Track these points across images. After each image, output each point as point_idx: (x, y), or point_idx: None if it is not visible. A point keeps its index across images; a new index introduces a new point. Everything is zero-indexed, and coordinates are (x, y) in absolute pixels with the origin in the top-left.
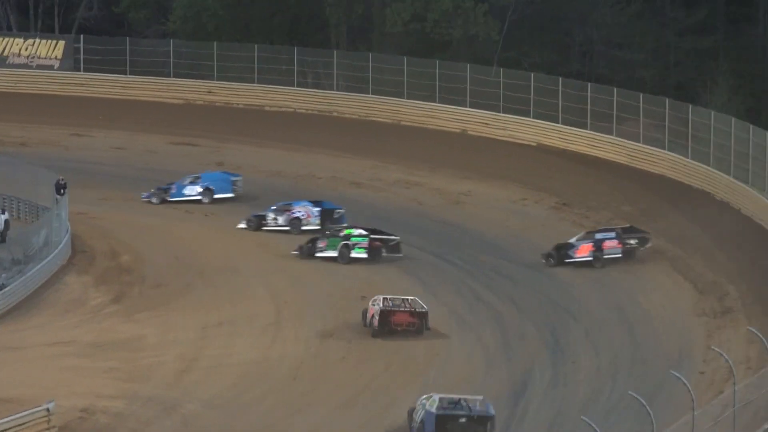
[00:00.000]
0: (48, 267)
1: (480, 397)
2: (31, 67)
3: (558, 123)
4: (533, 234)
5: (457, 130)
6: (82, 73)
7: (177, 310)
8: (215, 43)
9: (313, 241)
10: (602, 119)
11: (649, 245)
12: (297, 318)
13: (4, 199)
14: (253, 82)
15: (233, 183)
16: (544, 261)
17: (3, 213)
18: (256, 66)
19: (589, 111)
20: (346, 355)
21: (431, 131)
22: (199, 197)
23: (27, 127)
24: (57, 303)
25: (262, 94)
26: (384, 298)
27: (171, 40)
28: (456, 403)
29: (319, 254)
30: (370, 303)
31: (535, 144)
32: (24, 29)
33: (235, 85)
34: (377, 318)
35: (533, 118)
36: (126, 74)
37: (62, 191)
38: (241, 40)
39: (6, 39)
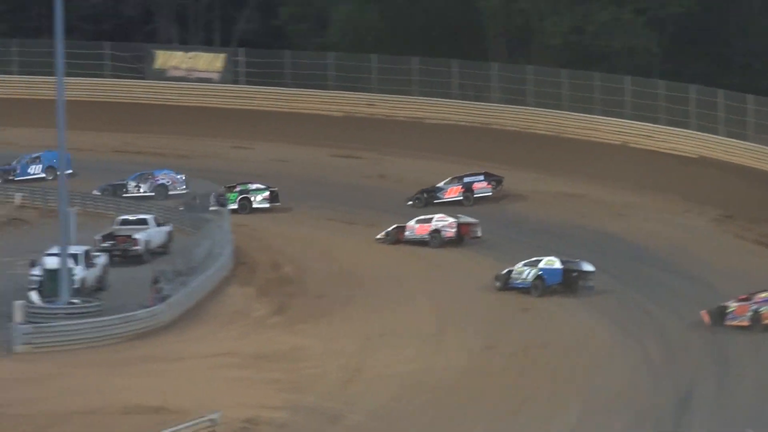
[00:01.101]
0: (211, 279)
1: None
2: (191, 80)
3: (719, 135)
4: (696, 246)
5: (618, 143)
6: (242, 86)
7: (339, 320)
8: (375, 55)
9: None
10: (764, 131)
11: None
12: (459, 328)
13: (168, 211)
14: (412, 94)
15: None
16: (411, 203)
17: (166, 225)
18: (415, 78)
19: (751, 123)
20: (508, 366)
21: (592, 143)
22: (43, 175)
23: (188, 140)
24: (220, 314)
25: (421, 106)
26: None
27: (330, 53)
28: (571, 262)
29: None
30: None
31: (696, 156)
32: (184, 42)
33: (394, 97)
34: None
35: (694, 130)
36: (286, 87)
37: (224, 203)
38: (401, 52)
39: (167, 52)
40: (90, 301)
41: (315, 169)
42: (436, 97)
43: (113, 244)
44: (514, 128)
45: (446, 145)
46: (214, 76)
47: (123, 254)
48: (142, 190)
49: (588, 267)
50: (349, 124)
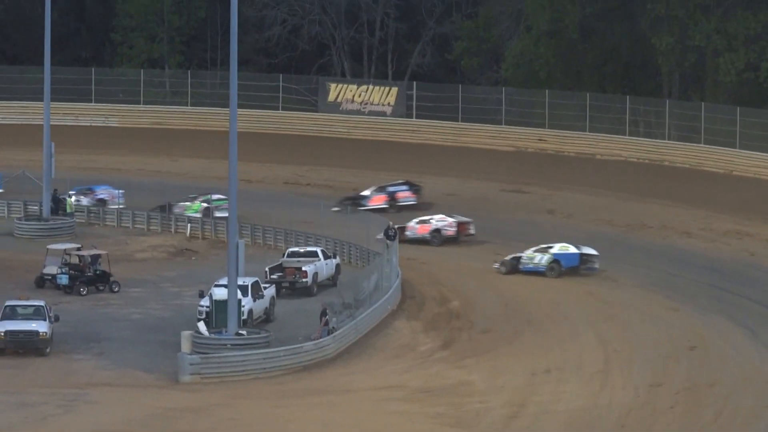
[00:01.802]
0: (378, 312)
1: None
2: (364, 114)
3: None
4: None
5: None
6: (413, 119)
7: (505, 355)
8: (547, 90)
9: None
10: None
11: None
12: (625, 366)
13: (336, 244)
14: (584, 130)
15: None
16: (337, 209)
17: (334, 257)
18: (587, 114)
19: None
20: (674, 405)
21: (765, 181)
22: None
23: (359, 172)
24: (386, 348)
25: (593, 142)
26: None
27: (503, 88)
28: (579, 247)
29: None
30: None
31: None
32: (358, 76)
33: (566, 133)
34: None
35: None
36: (458, 121)
37: (392, 237)
38: (573, 87)
39: (340, 85)
40: (257, 333)
41: (484, 203)
42: (607, 133)
43: (281, 276)
44: (685, 165)
45: (616, 181)
46: (387, 109)
47: (291, 286)
48: (83, 204)
49: (593, 251)
50: (519, 159)
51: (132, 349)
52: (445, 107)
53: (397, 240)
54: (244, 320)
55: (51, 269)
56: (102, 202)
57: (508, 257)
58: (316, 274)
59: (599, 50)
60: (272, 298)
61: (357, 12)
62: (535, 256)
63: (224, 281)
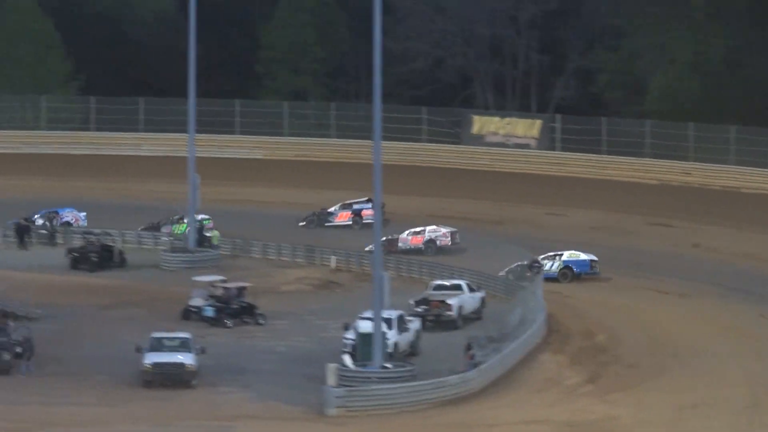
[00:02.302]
0: (523, 345)
1: None
2: (507, 146)
3: None
4: None
5: None
6: (558, 152)
7: (651, 390)
8: (692, 123)
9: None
10: None
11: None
12: None
13: (480, 276)
14: (730, 163)
15: None
16: (303, 224)
17: (480, 290)
18: (733, 147)
19: None
20: None
21: None
22: None
23: (502, 205)
24: (531, 381)
25: (739, 176)
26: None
27: (647, 120)
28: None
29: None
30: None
31: None
32: (501, 108)
33: (711, 166)
34: None
35: None
36: (602, 154)
37: (536, 270)
38: (719, 121)
39: (483, 118)
40: (403, 366)
41: (628, 236)
42: (755, 167)
43: (427, 309)
44: None
45: (764, 215)
46: (531, 142)
47: (436, 319)
48: (51, 226)
49: (595, 257)
50: (664, 193)
51: (277, 381)
52: (589, 140)
53: (542, 273)
54: (389, 353)
55: (197, 301)
56: (67, 224)
57: (513, 265)
58: (461, 307)
59: (745, 82)
60: (417, 331)
61: (500, 45)
62: (545, 263)
63: (369, 314)
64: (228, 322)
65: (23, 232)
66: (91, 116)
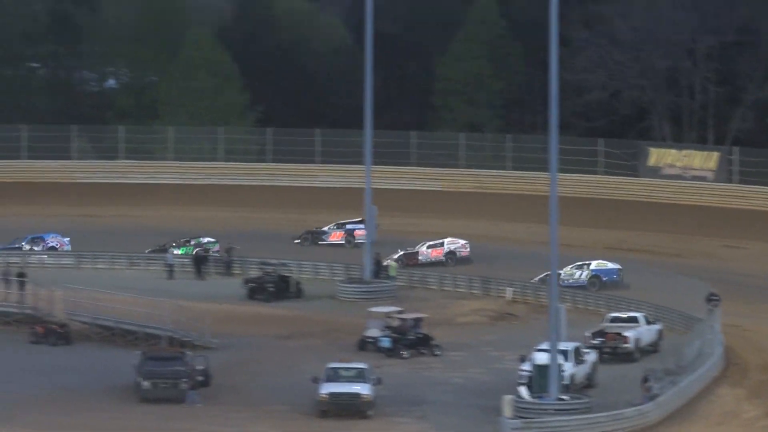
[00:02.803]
0: (701, 378)
1: None
2: (685, 179)
3: None
4: None
5: None
6: (736, 184)
7: None
8: None
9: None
10: None
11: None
12: None
13: (658, 309)
14: None
15: None
16: (298, 242)
17: (655, 323)
18: None
19: None
20: None
21: None
22: None
23: (680, 238)
24: (709, 415)
25: None
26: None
27: None
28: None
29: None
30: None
31: None
32: (677, 140)
33: None
34: None
35: None
36: None
37: (715, 303)
38: None
39: (660, 150)
40: (579, 398)
41: None
42: None
43: (603, 342)
44: None
45: None
46: (708, 174)
47: (613, 351)
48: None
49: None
50: None
51: (453, 413)
52: (766, 172)
53: (719, 307)
54: (565, 385)
55: (373, 332)
56: (53, 249)
57: (542, 275)
58: (638, 340)
59: None
60: (594, 363)
61: (676, 76)
62: (574, 273)
63: (545, 346)
64: (404, 353)
65: (200, 262)
66: (268, 147)
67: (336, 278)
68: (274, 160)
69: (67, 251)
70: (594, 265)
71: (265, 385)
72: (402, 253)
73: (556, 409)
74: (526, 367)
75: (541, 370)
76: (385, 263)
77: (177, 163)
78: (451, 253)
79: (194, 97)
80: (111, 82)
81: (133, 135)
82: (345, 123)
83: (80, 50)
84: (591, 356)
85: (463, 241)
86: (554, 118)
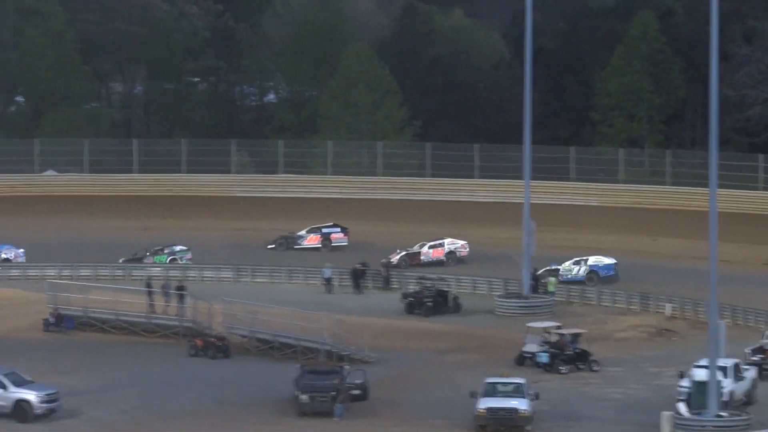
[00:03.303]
0: None
1: None
2: None
3: None
4: None
5: None
6: None
7: None
8: None
9: None
10: None
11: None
12: None
13: None
14: None
15: None
16: (272, 247)
17: None
18: None
19: None
20: None
21: None
22: None
23: None
24: None
25: None
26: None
27: None
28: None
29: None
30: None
31: None
32: None
33: None
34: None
35: None
36: None
37: None
38: None
39: None
40: (738, 415)
41: None
42: None
43: (763, 358)
44: None
45: None
46: None
47: None
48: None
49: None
50: None
51: (611, 429)
52: None
53: None
54: (724, 402)
55: (531, 347)
56: (7, 261)
57: (543, 269)
58: None
59: None
60: (753, 380)
61: None
62: (573, 268)
63: (705, 362)
64: (562, 369)
65: (359, 276)
66: (427, 162)
67: (494, 293)
68: (433, 175)
69: (22, 263)
70: (592, 260)
71: (422, 400)
72: (404, 253)
73: (715, 426)
74: (685, 383)
75: (700, 386)
76: (543, 280)
77: (335, 178)
78: (451, 253)
79: (353, 111)
80: (270, 97)
81: (292, 149)
82: (503, 138)
83: (240, 65)
84: (750, 372)
85: (462, 242)
86: (714, 133)
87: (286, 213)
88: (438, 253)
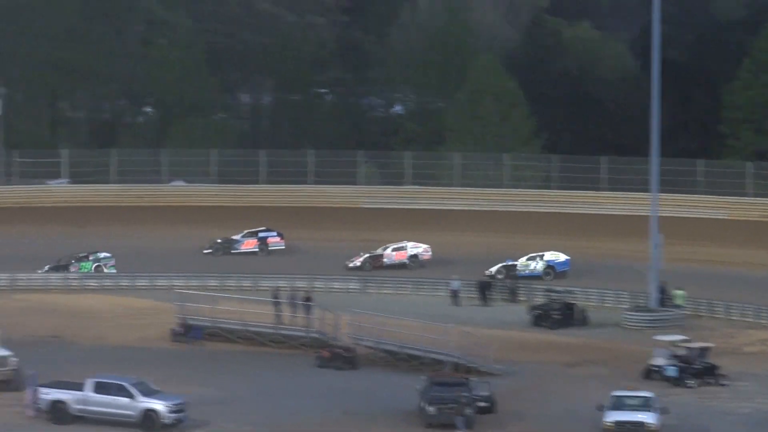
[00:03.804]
0: None
1: None
2: None
3: None
4: None
5: None
6: None
7: None
8: None
9: None
10: None
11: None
12: None
13: None
14: None
15: None
16: (210, 251)
17: None
18: None
19: None
20: None
21: None
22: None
23: None
24: None
25: None
26: None
27: None
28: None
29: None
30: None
31: None
32: None
33: None
34: None
35: None
36: None
37: None
38: None
39: None
40: None
41: None
42: None
43: None
44: None
45: None
46: None
47: None
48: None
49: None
50: None
51: None
52: None
53: None
54: None
55: (659, 360)
56: None
57: (498, 265)
58: None
59: None
60: None
61: None
62: (529, 264)
63: None
64: (690, 382)
65: (485, 288)
66: (553, 175)
67: (622, 306)
68: (560, 188)
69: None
70: (548, 256)
71: (549, 413)
72: (367, 255)
73: None
74: None
75: None
76: (671, 294)
77: (463, 189)
78: (413, 257)
79: (480, 123)
80: (397, 108)
81: (419, 161)
82: (631, 150)
83: (367, 76)
84: None
85: (425, 246)
86: None
87: (413, 225)
88: (401, 256)
